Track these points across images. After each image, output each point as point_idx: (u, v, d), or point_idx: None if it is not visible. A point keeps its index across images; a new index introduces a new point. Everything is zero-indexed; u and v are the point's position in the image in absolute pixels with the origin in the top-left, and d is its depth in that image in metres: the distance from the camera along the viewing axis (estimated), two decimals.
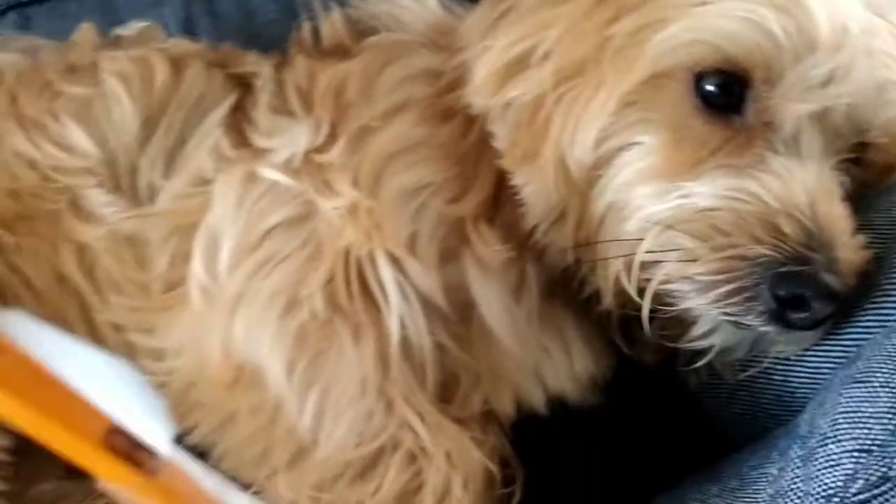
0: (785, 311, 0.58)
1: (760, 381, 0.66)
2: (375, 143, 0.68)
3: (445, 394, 0.68)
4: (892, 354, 0.53)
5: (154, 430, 0.34)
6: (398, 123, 0.70)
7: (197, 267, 0.66)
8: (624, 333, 0.71)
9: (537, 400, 0.71)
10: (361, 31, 0.79)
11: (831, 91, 0.60)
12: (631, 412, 0.74)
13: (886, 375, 0.52)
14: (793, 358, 0.64)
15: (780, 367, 0.65)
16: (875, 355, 0.53)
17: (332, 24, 0.80)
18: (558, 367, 0.71)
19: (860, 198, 0.67)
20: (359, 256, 0.65)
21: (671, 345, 0.66)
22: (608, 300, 0.67)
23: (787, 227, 0.58)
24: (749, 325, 0.60)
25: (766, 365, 0.65)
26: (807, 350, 0.63)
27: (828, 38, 0.59)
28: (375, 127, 0.69)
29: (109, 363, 0.34)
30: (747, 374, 0.66)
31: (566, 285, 0.71)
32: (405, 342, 0.65)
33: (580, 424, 0.72)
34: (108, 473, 0.34)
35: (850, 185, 0.65)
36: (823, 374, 0.61)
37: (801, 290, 0.57)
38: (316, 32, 0.80)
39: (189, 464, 0.37)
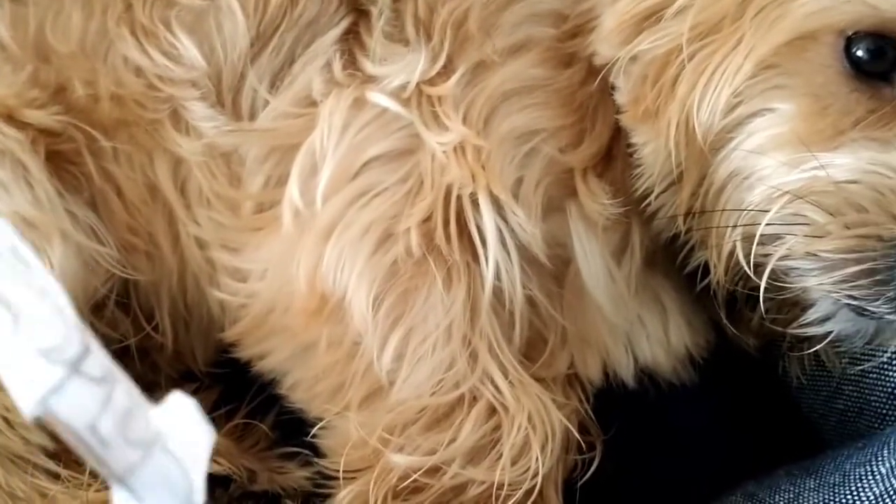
0: None
1: (872, 376, 0.61)
2: (492, 79, 0.65)
3: (530, 352, 0.65)
4: None
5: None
6: (518, 62, 0.66)
7: (293, 190, 0.64)
8: (728, 313, 0.67)
9: (626, 369, 0.68)
10: None
11: None
12: (722, 395, 0.70)
13: None
14: None
15: None
16: None
17: None
18: (652, 338, 0.68)
19: None
20: (461, 196, 0.62)
21: (780, 329, 0.62)
22: (719, 275, 0.62)
23: None
24: (873, 313, 0.55)
25: (881, 360, 0.60)
26: None
27: None
28: (494, 63, 0.66)
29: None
30: (859, 368, 0.61)
31: (670, 256, 0.67)
32: (497, 292, 0.62)
33: (668, 401, 0.68)
34: None
35: None
36: None
37: None
38: None
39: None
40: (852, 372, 0.62)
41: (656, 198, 0.64)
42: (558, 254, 0.65)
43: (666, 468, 0.67)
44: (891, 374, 0.60)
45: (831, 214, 0.55)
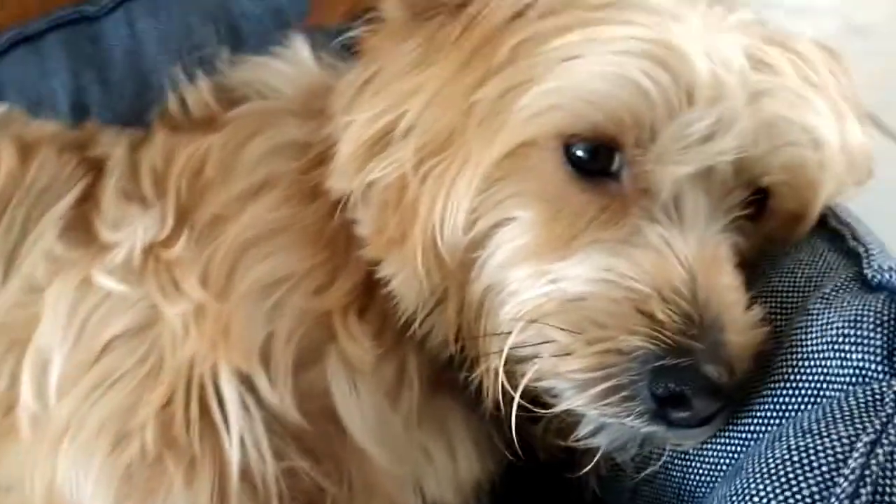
0: (665, 409, 0.51)
1: (661, 477, 0.59)
2: (230, 230, 0.62)
3: None
4: (774, 470, 0.45)
5: None
6: (258, 205, 0.63)
7: (25, 392, 0.59)
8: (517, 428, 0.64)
9: None
10: (233, 100, 0.73)
11: (713, 147, 0.54)
12: None
13: (766, 498, 0.45)
14: (691, 452, 0.57)
15: (678, 461, 0.58)
16: (754, 471, 0.46)
17: (200, 93, 0.73)
18: (440, 471, 0.64)
19: (765, 256, 0.61)
20: (202, 372, 0.58)
21: (562, 443, 0.60)
22: (491, 397, 0.60)
23: (662, 314, 0.51)
24: (630, 427, 0.53)
25: (665, 459, 0.58)
26: (705, 443, 0.56)
27: (704, 89, 0.53)
28: (232, 211, 0.62)
29: None
30: (647, 471, 0.59)
31: (452, 377, 0.64)
32: (247, 473, 0.57)
33: None
34: None
35: (745, 246, 0.59)
36: (723, 469, 0.55)
37: (679, 388, 0.51)
38: (185, 103, 0.74)
39: None
40: (644, 473, 0.59)
41: (421, 324, 0.62)
42: (325, 404, 0.61)
43: None
44: (674, 472, 0.58)
45: (572, 332, 0.53)
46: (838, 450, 0.44)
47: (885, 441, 0.43)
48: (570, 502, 0.65)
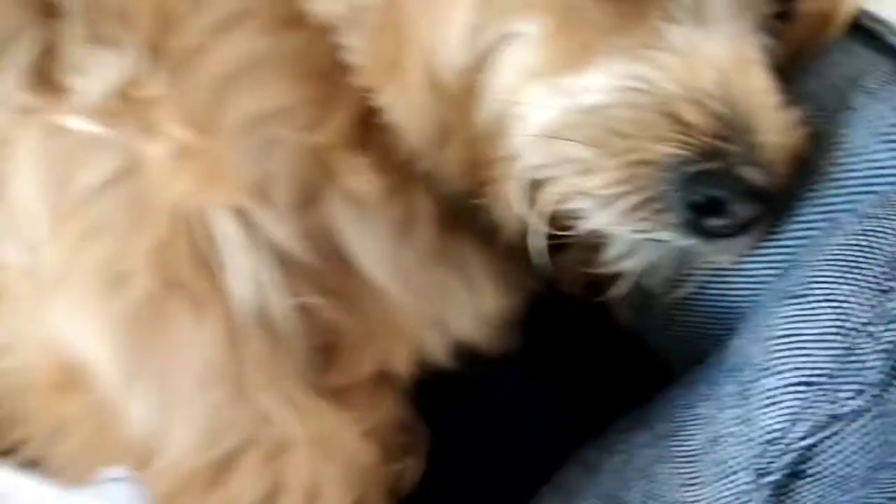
0: (702, 218, 0.47)
1: (696, 298, 0.56)
2: (208, 64, 0.56)
3: (325, 360, 0.57)
4: (836, 257, 0.41)
5: None
6: (235, 36, 0.57)
7: (8, 249, 0.55)
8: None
9: (439, 351, 0.60)
10: None
11: None
12: (560, 351, 0.64)
13: (829, 286, 0.41)
14: (730, 267, 0.53)
15: (715, 279, 0.54)
16: (814, 261, 0.43)
17: None
18: (461, 307, 0.60)
19: (794, 60, 0.56)
20: (198, 209, 0.53)
21: (589, 270, 0.56)
22: (510, 228, 0.56)
23: (692, 116, 0.47)
24: (665, 241, 0.49)
25: (700, 280, 0.54)
26: (743, 257, 0.52)
27: None
28: (207, 44, 0.56)
29: None
30: (683, 292, 0.55)
31: (466, 213, 0.59)
32: (261, 309, 0.54)
33: (496, 374, 0.61)
34: None
35: (777, 49, 0.54)
36: (765, 283, 0.51)
37: (715, 192, 0.47)
38: None
39: None
40: (676, 297, 0.56)
41: (428, 158, 0.57)
42: (332, 245, 0.57)
43: (501, 449, 0.60)
44: (710, 291, 0.54)
45: (593, 146, 0.49)
46: None
47: None
48: (599, 335, 0.61)
